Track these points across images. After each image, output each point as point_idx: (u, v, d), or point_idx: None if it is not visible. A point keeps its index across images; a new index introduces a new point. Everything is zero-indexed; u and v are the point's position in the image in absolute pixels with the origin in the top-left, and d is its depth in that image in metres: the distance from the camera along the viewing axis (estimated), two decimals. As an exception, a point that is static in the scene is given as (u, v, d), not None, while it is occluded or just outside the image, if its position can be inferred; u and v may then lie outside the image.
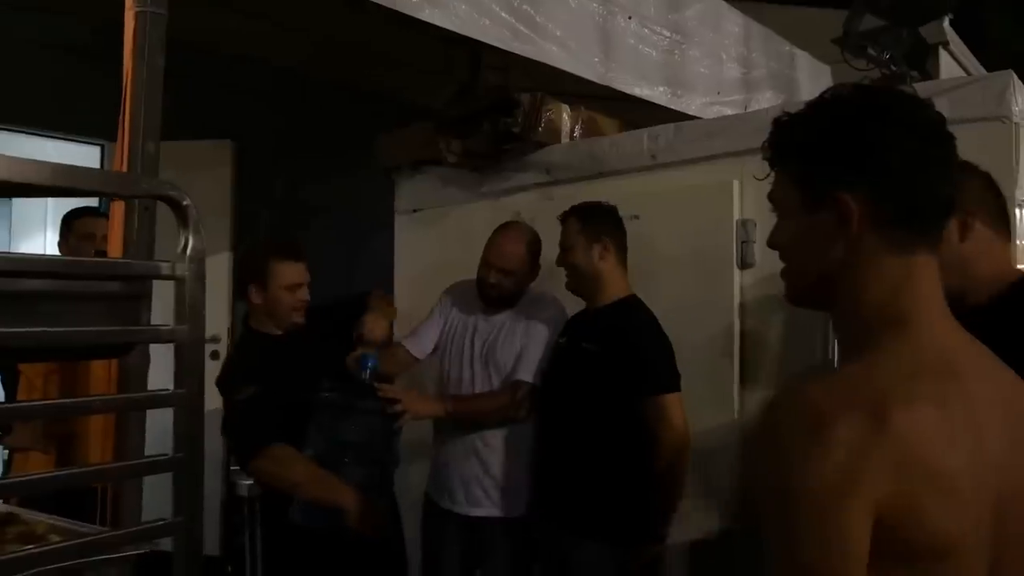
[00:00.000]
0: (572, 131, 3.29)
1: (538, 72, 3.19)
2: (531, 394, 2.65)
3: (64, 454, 2.73)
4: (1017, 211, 2.24)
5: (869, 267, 0.95)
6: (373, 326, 2.74)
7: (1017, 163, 2.22)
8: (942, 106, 2.33)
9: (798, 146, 1.00)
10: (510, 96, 3.12)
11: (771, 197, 1.04)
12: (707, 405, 2.68)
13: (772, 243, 1.06)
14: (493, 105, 3.16)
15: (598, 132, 3.31)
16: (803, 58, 4.77)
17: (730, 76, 4.06)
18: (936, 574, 0.86)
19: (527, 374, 2.65)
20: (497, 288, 2.73)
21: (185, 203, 0.95)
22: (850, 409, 0.85)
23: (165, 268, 0.97)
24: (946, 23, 9.52)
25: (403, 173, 3.68)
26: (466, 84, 3.36)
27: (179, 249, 0.97)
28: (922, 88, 2.44)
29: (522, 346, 2.68)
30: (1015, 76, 2.28)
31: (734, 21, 4.16)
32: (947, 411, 0.87)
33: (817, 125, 0.98)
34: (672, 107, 3.59)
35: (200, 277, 0.96)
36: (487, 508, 2.70)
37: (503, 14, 2.86)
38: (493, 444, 2.70)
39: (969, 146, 2.29)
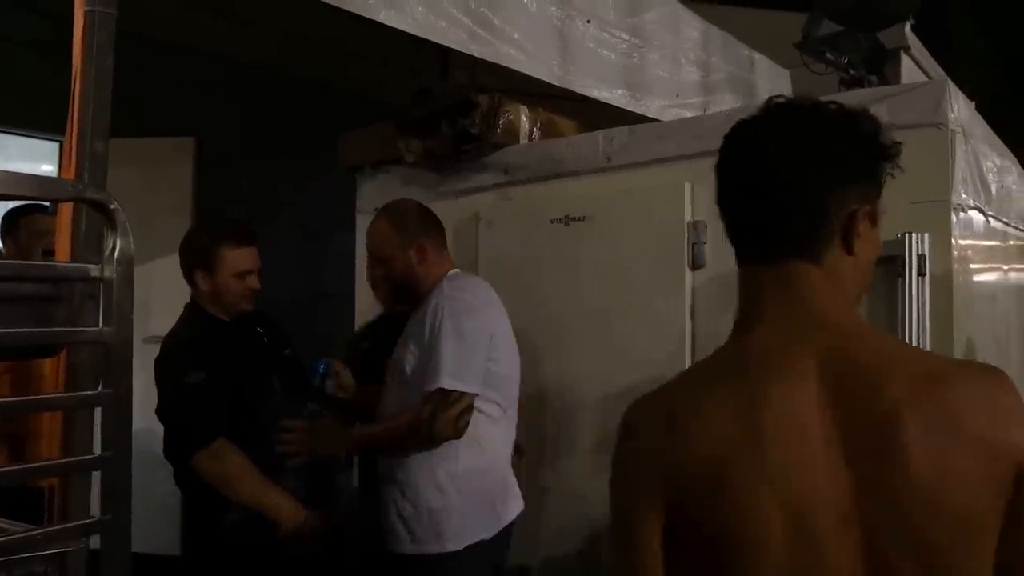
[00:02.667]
0: (531, 132, 3.32)
1: (504, 72, 3.22)
2: (447, 401, 2.14)
3: (18, 453, 2.71)
4: (952, 215, 2.31)
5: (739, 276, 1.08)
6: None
7: (952, 168, 2.29)
8: (881, 112, 2.42)
9: None
10: (468, 97, 3.15)
11: None
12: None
13: None
14: (452, 106, 3.19)
15: (556, 133, 3.35)
16: (762, 62, 4.84)
17: (689, 79, 4.12)
18: (737, 566, 0.90)
19: (441, 378, 2.14)
20: (383, 280, 2.41)
21: (112, 206, 0.97)
22: (649, 416, 1.00)
23: (93, 270, 0.99)
24: (908, 28, 9.68)
25: (365, 172, 3.71)
26: (426, 85, 3.38)
27: (107, 252, 0.99)
28: (862, 94, 2.50)
29: (429, 346, 2.21)
30: (951, 84, 2.35)
31: (693, 25, 4.21)
32: (734, 411, 0.94)
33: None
34: (631, 109, 3.63)
35: (128, 279, 0.98)
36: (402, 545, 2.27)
37: (460, 16, 2.88)
38: (390, 475, 2.30)
39: (907, 151, 2.38)
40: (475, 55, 2.98)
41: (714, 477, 0.91)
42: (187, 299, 2.58)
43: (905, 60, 9.53)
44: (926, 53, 10.45)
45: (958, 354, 2.36)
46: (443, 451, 2.22)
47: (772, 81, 4.88)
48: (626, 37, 3.65)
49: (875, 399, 0.92)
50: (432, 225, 2.47)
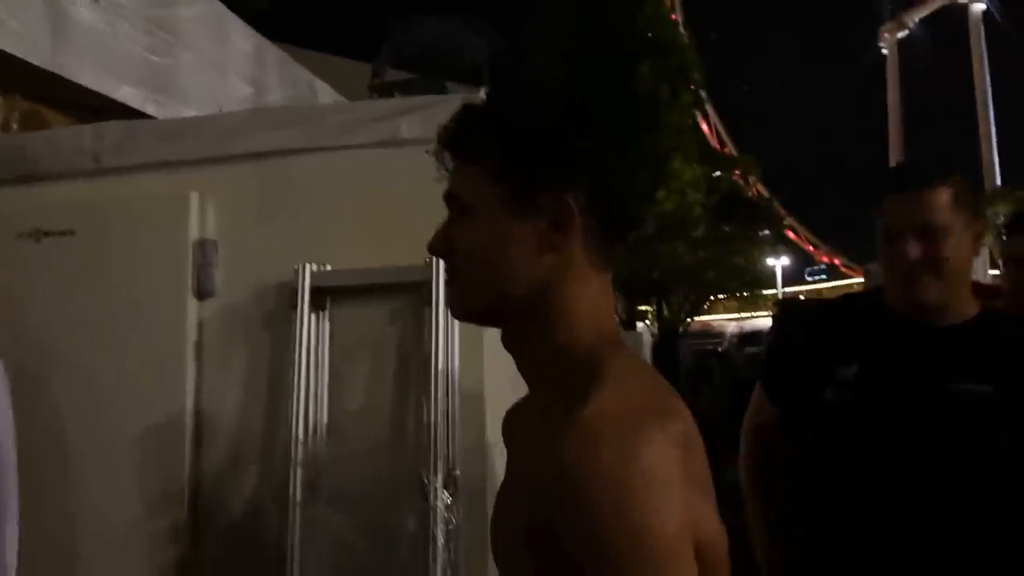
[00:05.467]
0: (4, 123, 2.58)
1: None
2: None
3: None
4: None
5: (578, 283, 0.88)
6: None
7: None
8: (414, 124, 2.18)
9: (508, 135, 0.88)
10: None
11: (453, 194, 0.91)
12: (151, 464, 2.16)
13: (445, 249, 0.92)
14: None
15: (44, 129, 2.65)
16: (326, 91, 4.57)
17: (237, 94, 3.65)
18: None
19: None
20: None
21: None
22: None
23: None
24: (483, 93, 10.45)
25: None
26: None
27: None
28: (392, 104, 2.25)
29: None
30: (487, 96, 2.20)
31: (244, 36, 3.78)
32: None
33: (533, 114, 0.89)
34: (153, 115, 3.05)
35: None
36: None
37: None
38: None
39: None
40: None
41: (703, 490, 0.87)
42: None
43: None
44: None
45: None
46: None
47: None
48: (150, 29, 3.08)
49: None
50: None
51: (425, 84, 6.08)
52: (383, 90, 6.26)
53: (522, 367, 0.94)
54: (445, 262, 0.94)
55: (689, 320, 22.82)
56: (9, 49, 2.51)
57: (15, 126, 2.59)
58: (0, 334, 2.26)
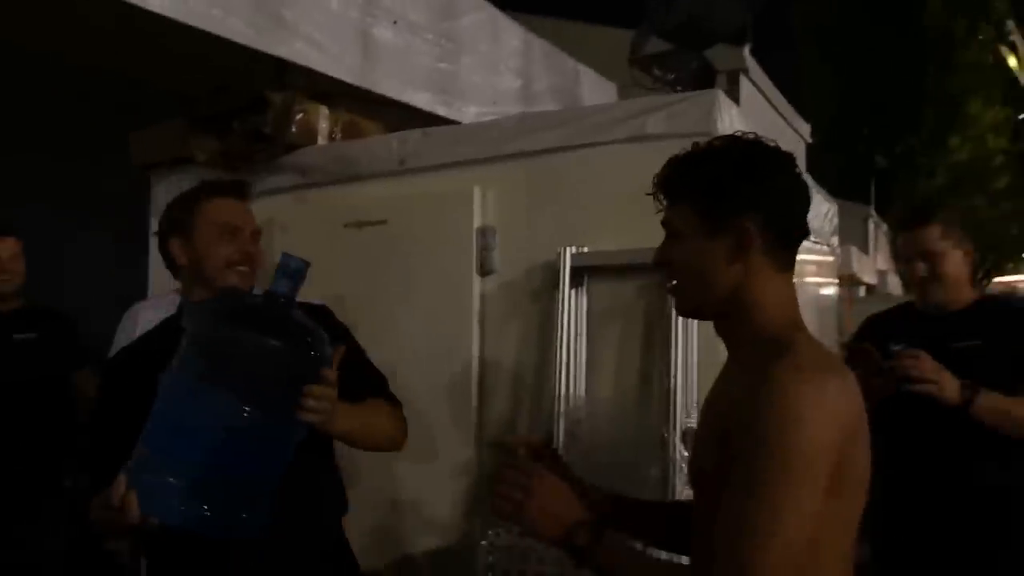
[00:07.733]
0: (331, 133, 3.21)
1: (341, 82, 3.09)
2: None
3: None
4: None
5: (764, 283, 1.17)
6: None
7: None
8: (659, 121, 2.45)
9: (702, 181, 1.18)
10: (261, 95, 3.00)
11: (668, 222, 1.23)
12: (445, 412, 2.66)
13: (664, 262, 1.24)
14: (245, 104, 3.04)
15: (359, 136, 3.25)
16: (588, 74, 4.91)
17: (508, 87, 4.11)
18: None
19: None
20: None
21: None
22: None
23: None
24: (746, 51, 10.15)
25: (160, 171, 3.48)
26: (223, 82, 3.20)
27: None
28: (640, 103, 2.52)
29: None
30: (722, 95, 2.40)
31: (514, 34, 4.22)
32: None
33: (717, 165, 1.18)
34: (442, 115, 3.58)
35: None
36: None
37: (244, 8, 2.74)
38: None
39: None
40: (263, 50, 2.84)
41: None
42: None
43: (744, 82, 10.01)
44: (764, 76, 11.02)
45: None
46: None
47: (597, 92, 4.96)
48: (438, 40, 3.59)
49: None
50: None
51: (683, 54, 6.20)
52: (643, 64, 6.45)
53: (731, 351, 1.24)
54: (665, 271, 1.26)
55: (987, 283, 20.70)
56: (331, 72, 3.12)
57: (338, 136, 3.21)
58: (332, 303, 2.89)
